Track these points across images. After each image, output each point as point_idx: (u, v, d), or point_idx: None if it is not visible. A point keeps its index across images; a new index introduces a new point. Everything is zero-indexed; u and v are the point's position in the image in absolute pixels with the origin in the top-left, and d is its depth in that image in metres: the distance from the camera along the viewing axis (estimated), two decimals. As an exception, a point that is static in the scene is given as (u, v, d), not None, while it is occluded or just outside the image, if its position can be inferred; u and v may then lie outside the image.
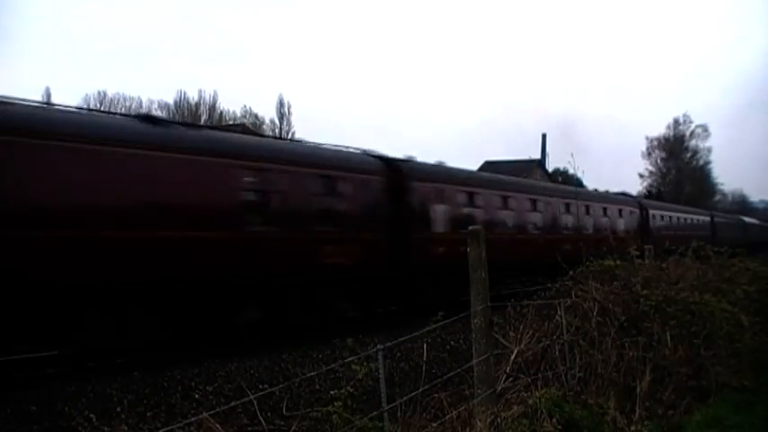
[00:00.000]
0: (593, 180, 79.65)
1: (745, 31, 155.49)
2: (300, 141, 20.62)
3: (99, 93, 67.16)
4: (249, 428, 7.62)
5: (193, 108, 71.49)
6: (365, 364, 7.03)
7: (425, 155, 73.34)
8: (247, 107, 76.96)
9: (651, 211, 38.41)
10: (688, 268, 11.58)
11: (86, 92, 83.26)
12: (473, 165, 57.97)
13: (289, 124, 73.29)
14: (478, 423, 6.27)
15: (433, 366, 9.04)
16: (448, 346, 12.65)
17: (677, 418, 7.53)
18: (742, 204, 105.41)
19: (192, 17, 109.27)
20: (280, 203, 15.98)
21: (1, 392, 10.05)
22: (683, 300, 9.32)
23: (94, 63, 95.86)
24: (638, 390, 7.76)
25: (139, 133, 13.56)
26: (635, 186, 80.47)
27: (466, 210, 22.19)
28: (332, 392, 6.52)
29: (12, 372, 11.22)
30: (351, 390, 6.75)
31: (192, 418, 6.83)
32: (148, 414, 9.28)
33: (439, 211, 20.72)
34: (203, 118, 69.83)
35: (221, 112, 72.12)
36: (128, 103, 67.13)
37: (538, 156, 71.59)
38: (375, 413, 6.47)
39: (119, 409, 9.25)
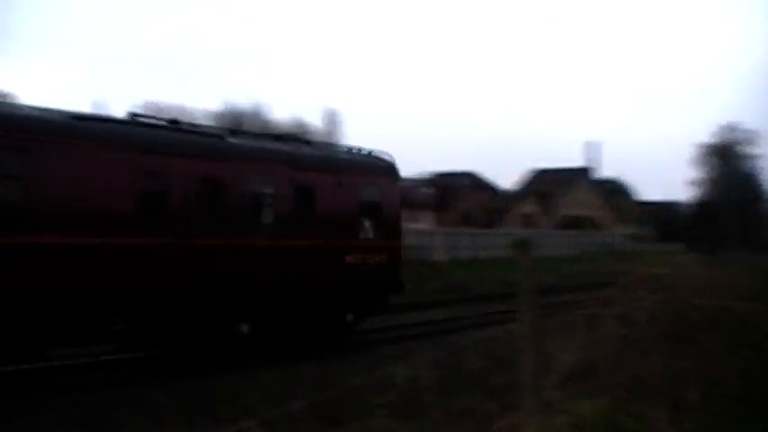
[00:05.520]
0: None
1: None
2: None
3: (147, 102, 67.89)
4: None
5: (239, 117, 72.04)
6: (408, 371, 7.01)
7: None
8: (296, 116, 77.43)
9: None
10: (734, 276, 11.34)
11: (134, 101, 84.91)
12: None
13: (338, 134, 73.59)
14: (526, 433, 6.22)
15: (479, 375, 9.00)
16: (495, 355, 12.58)
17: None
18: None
19: (242, 27, 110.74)
20: None
21: (48, 398, 10.22)
22: (735, 309, 9.12)
23: (139, 73, 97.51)
24: (689, 401, 7.61)
25: None
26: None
27: None
28: (376, 401, 6.52)
29: (59, 377, 11.44)
30: (395, 398, 6.74)
31: (240, 425, 6.89)
32: (197, 419, 9.38)
33: None
34: (252, 126, 70.32)
35: (268, 121, 72.53)
36: (173, 112, 67.75)
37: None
38: (420, 421, 6.46)
39: (168, 416, 9.38)
